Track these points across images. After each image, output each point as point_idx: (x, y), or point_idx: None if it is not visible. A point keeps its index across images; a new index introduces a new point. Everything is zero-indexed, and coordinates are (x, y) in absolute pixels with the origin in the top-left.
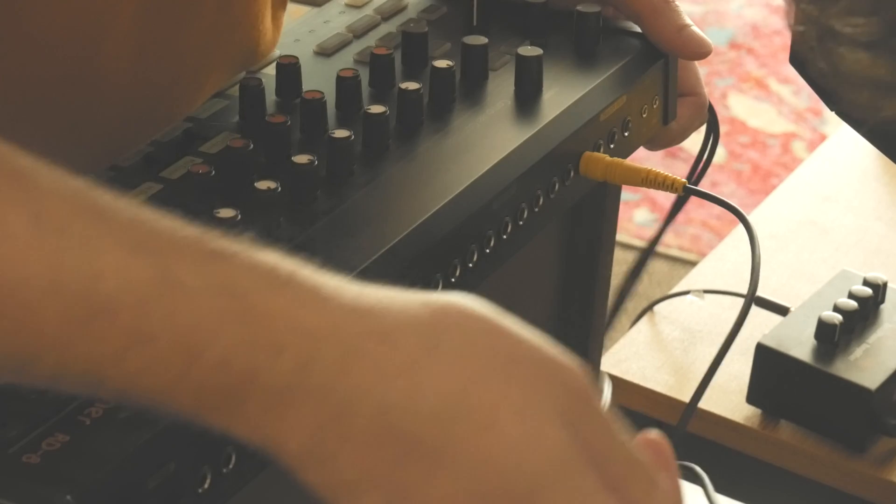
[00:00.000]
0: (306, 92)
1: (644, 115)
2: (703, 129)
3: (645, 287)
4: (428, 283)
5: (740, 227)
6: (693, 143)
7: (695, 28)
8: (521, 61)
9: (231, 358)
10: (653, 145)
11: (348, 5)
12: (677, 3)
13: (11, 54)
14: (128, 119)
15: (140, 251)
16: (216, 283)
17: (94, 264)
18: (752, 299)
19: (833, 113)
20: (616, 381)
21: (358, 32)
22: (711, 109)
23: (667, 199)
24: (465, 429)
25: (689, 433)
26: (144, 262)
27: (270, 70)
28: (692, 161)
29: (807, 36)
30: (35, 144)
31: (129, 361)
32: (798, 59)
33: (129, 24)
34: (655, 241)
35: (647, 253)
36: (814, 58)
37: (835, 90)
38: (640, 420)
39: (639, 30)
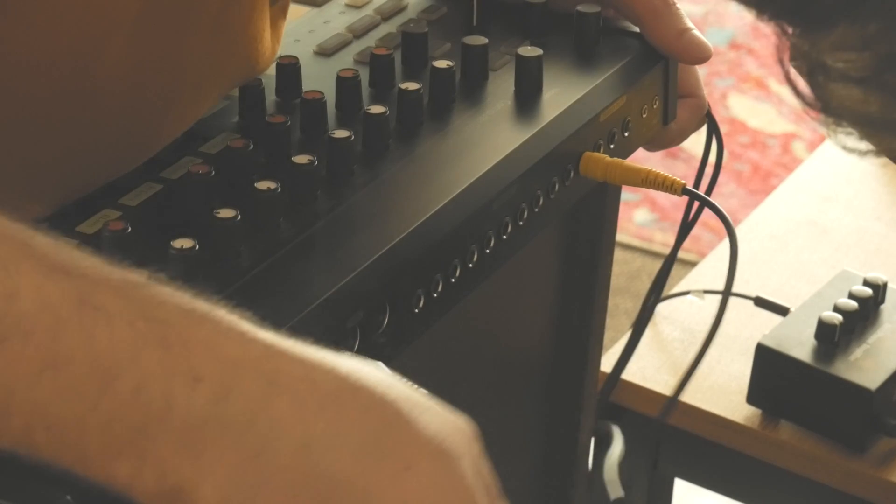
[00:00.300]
0: (306, 92)
1: (644, 116)
2: (704, 130)
3: (645, 287)
4: (428, 283)
5: (740, 228)
6: (693, 143)
7: (695, 32)
8: (521, 61)
9: (146, 385)
10: (652, 146)
11: (348, 5)
12: (678, 5)
13: (7, 71)
14: (125, 137)
15: (58, 274)
16: (136, 309)
17: (10, 284)
18: (727, 296)
19: None
20: (617, 381)
21: (358, 32)
22: (710, 115)
23: (667, 199)
24: (388, 468)
25: (690, 433)
26: (62, 285)
27: (270, 70)
28: (692, 161)
29: (798, 70)
30: (31, 162)
31: (42, 385)
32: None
33: (125, 42)
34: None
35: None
36: (804, 93)
37: (826, 124)
38: (640, 420)
39: (638, 30)
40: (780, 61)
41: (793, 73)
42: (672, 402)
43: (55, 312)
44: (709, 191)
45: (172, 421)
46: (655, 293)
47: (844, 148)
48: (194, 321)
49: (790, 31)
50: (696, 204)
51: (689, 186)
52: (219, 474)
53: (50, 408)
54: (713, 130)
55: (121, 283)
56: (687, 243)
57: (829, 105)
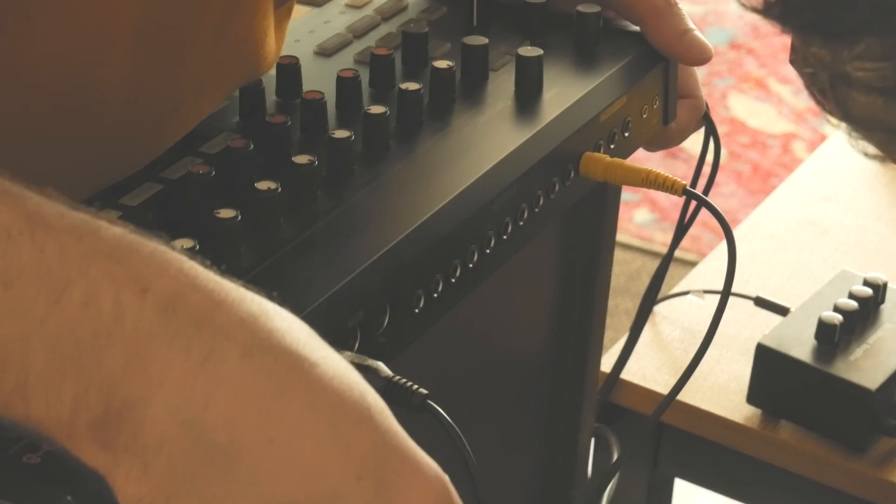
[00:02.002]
0: (306, 92)
1: (644, 116)
2: (703, 132)
3: (645, 287)
4: (428, 283)
5: (740, 228)
6: (693, 143)
7: (697, 33)
8: (521, 61)
9: (96, 296)
10: (651, 146)
11: (348, 5)
12: (680, 6)
13: (6, 85)
14: (126, 144)
15: (8, 198)
16: (84, 227)
17: None
18: (726, 297)
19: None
20: (617, 381)
21: (358, 32)
22: (708, 116)
23: (667, 199)
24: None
25: (690, 433)
26: (13, 205)
27: (270, 70)
28: (692, 161)
29: (818, 79)
30: (31, 172)
31: None
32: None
33: (126, 52)
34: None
35: (668, 260)
36: (825, 101)
37: (846, 132)
38: (639, 420)
39: (639, 29)
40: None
41: (811, 82)
42: (667, 401)
43: (6, 230)
44: (706, 191)
45: (122, 332)
46: (653, 293)
47: (866, 155)
48: (141, 241)
49: (813, 42)
50: (693, 204)
51: (689, 187)
52: (168, 385)
53: None
54: (710, 131)
55: (67, 205)
56: (687, 243)
57: (850, 113)
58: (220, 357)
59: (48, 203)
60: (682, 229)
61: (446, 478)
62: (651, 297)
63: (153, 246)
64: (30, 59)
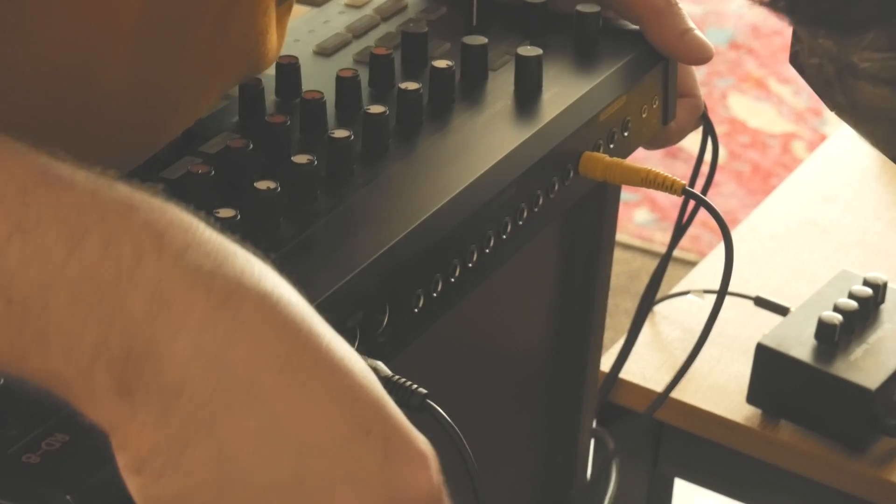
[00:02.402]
0: (306, 92)
1: (644, 116)
2: (701, 132)
3: (645, 287)
4: (428, 283)
5: (740, 228)
6: (693, 143)
7: (697, 32)
8: (521, 61)
9: (116, 240)
10: (650, 145)
11: (348, 5)
12: (679, 5)
13: (7, 81)
14: (123, 144)
15: (21, 155)
16: (97, 181)
17: None
18: (722, 297)
19: (833, 114)
20: (616, 380)
21: (358, 32)
22: (706, 116)
23: (667, 199)
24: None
25: (690, 433)
26: (26, 161)
27: (270, 70)
28: (692, 161)
29: (824, 70)
30: None
31: (9, 255)
32: (812, 87)
33: (127, 48)
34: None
35: (666, 260)
36: (831, 92)
37: (852, 123)
38: (639, 420)
39: (639, 28)
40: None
41: (817, 73)
42: (662, 398)
43: (21, 183)
44: (704, 190)
45: (143, 274)
46: (651, 292)
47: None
48: (148, 196)
49: (819, 33)
50: (692, 204)
51: (689, 187)
52: (190, 326)
53: (15, 278)
54: (708, 131)
55: (77, 167)
56: (687, 243)
57: (857, 104)
58: (239, 299)
59: (59, 161)
60: (680, 229)
61: (436, 458)
62: (650, 297)
63: (160, 201)
64: (32, 56)
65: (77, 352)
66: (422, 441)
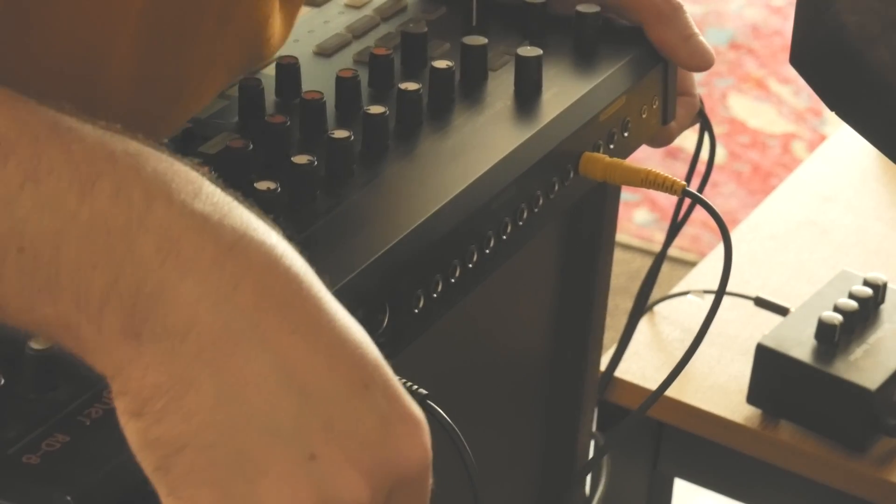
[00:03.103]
0: (306, 92)
1: (644, 116)
2: (698, 130)
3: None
4: (428, 283)
5: (740, 228)
6: (693, 143)
7: (700, 38)
8: (521, 61)
9: (126, 186)
10: (648, 143)
11: (348, 5)
12: (683, 8)
13: (12, 79)
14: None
15: (31, 107)
16: (106, 133)
17: None
18: (720, 297)
19: (833, 113)
20: (616, 381)
21: (357, 33)
22: (703, 114)
23: (667, 199)
24: None
25: (690, 433)
26: (37, 112)
27: (270, 70)
28: (693, 162)
29: (867, 28)
30: None
31: (21, 202)
32: (843, 52)
33: (129, 42)
34: (666, 246)
35: (661, 259)
36: (874, 48)
37: (892, 81)
38: (640, 420)
39: (638, 29)
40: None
41: (858, 30)
42: (655, 396)
43: (33, 133)
44: (701, 188)
45: (154, 219)
46: (647, 291)
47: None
48: (155, 150)
49: None
50: (687, 203)
51: (689, 188)
52: (199, 269)
53: (27, 226)
54: (705, 128)
55: (87, 119)
56: (687, 243)
57: None
58: (245, 246)
59: (68, 114)
60: (675, 227)
61: (428, 428)
62: (645, 295)
63: (167, 154)
64: (37, 50)
65: (87, 296)
66: (416, 409)
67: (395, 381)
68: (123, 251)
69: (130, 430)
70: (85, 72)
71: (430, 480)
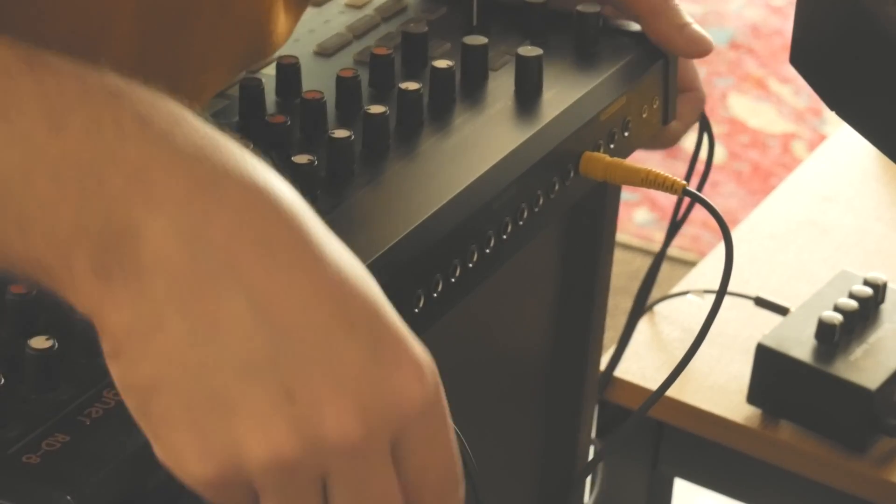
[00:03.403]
0: (306, 92)
1: (644, 116)
2: (697, 130)
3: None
4: (428, 283)
5: (740, 228)
6: (693, 143)
7: (696, 26)
8: (521, 61)
9: (98, 122)
10: (652, 145)
11: (348, 5)
12: (677, 1)
13: None
14: None
15: (5, 43)
16: (84, 69)
17: None
18: (721, 297)
19: (833, 113)
20: (616, 381)
21: (358, 32)
22: (702, 112)
23: (667, 199)
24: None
25: (690, 433)
26: (10, 48)
27: (270, 70)
28: (692, 161)
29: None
30: None
31: None
32: (854, 18)
33: (128, 30)
34: (666, 245)
35: (660, 258)
36: (889, 6)
37: None
38: (640, 420)
39: (639, 28)
40: None
41: None
42: (655, 397)
43: (6, 70)
44: (700, 186)
45: (125, 155)
46: (646, 290)
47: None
48: (138, 85)
49: None
50: (687, 202)
51: (689, 187)
52: (170, 204)
53: None
54: (704, 127)
55: (65, 58)
56: (687, 243)
57: None
58: (222, 183)
59: (47, 51)
60: (675, 225)
61: (435, 365)
62: (644, 295)
63: (151, 90)
64: (36, 37)
65: (56, 234)
66: (418, 350)
67: (394, 321)
68: (93, 188)
69: (113, 372)
70: (85, 54)
71: (446, 425)
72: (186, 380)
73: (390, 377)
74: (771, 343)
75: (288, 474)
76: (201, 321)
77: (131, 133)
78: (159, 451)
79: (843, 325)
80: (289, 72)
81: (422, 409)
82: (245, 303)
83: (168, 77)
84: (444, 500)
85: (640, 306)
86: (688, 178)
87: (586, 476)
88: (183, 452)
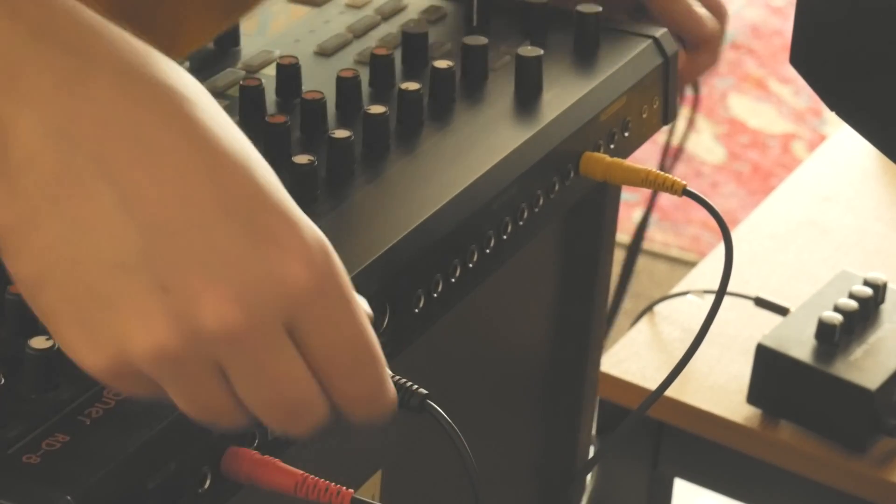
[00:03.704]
0: (306, 92)
1: (644, 116)
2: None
3: (645, 287)
4: (428, 283)
5: (740, 228)
6: (694, 144)
7: (699, 7)
8: (521, 61)
9: None
10: (686, 78)
11: (348, 5)
12: None
13: None
14: None
15: None
16: None
17: None
18: (721, 297)
19: (833, 113)
20: (616, 381)
21: (358, 32)
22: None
23: (667, 199)
24: None
25: (690, 433)
26: None
27: (271, 70)
28: (692, 162)
29: None
30: None
31: None
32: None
33: None
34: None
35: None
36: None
37: None
38: (640, 420)
39: (639, 30)
40: None
41: None
42: (655, 396)
43: None
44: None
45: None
46: (622, 284)
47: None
48: None
49: None
50: (660, 196)
51: (689, 187)
52: (37, 101)
53: None
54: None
55: None
56: (687, 243)
57: None
58: (92, 77)
59: None
60: (647, 218)
61: (329, 247)
62: (622, 289)
63: None
64: None
65: None
66: (307, 231)
67: (278, 203)
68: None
69: (9, 271)
70: None
71: (346, 303)
72: (64, 276)
73: (268, 260)
74: (771, 343)
75: (176, 365)
76: (71, 219)
77: (1, 28)
78: (59, 343)
79: (843, 325)
80: (289, 72)
81: (311, 288)
82: (113, 198)
83: (141, 15)
84: (356, 379)
85: (617, 306)
86: (663, 157)
87: (585, 474)
88: (74, 344)
